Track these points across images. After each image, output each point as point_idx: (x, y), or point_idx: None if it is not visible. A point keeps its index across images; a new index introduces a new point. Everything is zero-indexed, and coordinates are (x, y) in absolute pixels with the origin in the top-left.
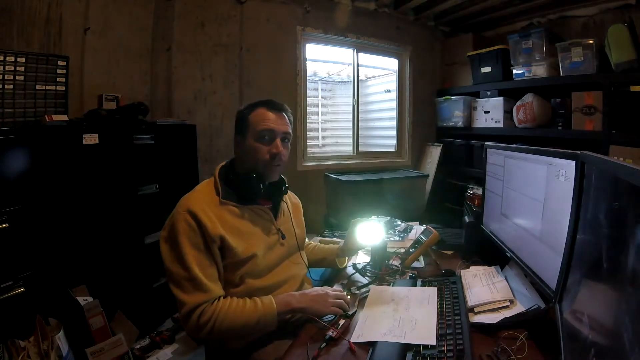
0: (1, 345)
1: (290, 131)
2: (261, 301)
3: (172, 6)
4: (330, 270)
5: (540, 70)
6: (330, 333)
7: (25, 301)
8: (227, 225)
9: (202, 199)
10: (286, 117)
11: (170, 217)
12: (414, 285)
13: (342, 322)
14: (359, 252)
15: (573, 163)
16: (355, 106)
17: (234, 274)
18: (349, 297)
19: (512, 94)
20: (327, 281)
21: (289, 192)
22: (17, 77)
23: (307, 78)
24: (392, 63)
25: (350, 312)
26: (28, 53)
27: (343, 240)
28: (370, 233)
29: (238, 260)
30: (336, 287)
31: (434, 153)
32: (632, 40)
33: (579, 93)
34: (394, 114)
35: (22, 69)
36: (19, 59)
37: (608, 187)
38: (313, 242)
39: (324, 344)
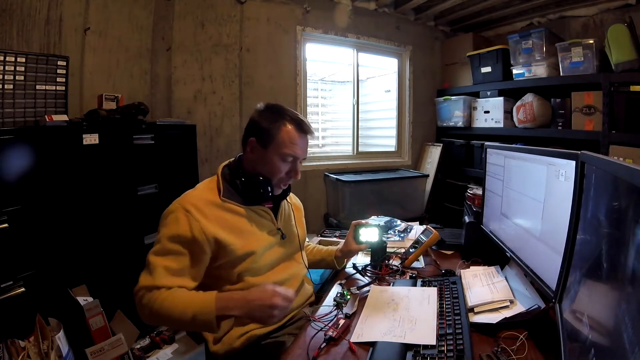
0: (1, 345)
1: None
2: (201, 299)
3: (172, 6)
4: (330, 270)
5: (540, 70)
6: (330, 333)
7: (25, 301)
8: (225, 224)
9: (203, 197)
10: (310, 139)
11: (167, 209)
12: (414, 285)
13: (342, 322)
14: (359, 253)
15: (573, 163)
16: (355, 106)
17: (231, 272)
18: (349, 296)
19: (512, 94)
20: (327, 281)
21: (290, 193)
22: (17, 77)
23: (307, 78)
24: (392, 63)
25: (350, 312)
26: (28, 53)
27: (342, 242)
28: (370, 235)
29: (235, 258)
30: (336, 286)
31: (434, 153)
32: (632, 40)
33: (579, 93)
34: (394, 114)
35: (22, 69)
36: (19, 59)
37: (608, 187)
38: (312, 243)
39: (324, 344)
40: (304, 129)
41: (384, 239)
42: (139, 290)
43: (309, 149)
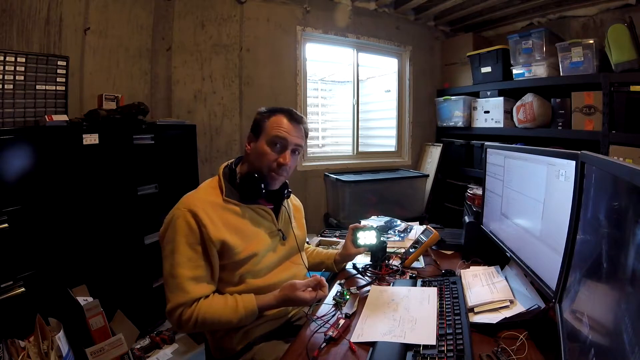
0: (1, 345)
1: (303, 144)
2: (243, 304)
3: (172, 6)
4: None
5: (540, 70)
6: (330, 333)
7: (25, 301)
8: (229, 225)
9: (205, 199)
10: (303, 129)
11: (170, 213)
12: (414, 285)
13: (342, 322)
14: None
15: (573, 163)
16: (355, 106)
17: (233, 274)
18: (348, 297)
19: (512, 94)
20: (327, 282)
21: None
22: (17, 77)
23: (307, 78)
24: (392, 63)
25: (350, 312)
26: (28, 53)
27: (342, 242)
28: (368, 238)
29: (238, 260)
30: (336, 286)
31: (434, 153)
32: (632, 40)
33: (579, 93)
34: (394, 114)
35: (22, 69)
36: (19, 59)
37: (608, 187)
38: (312, 245)
39: (324, 344)
40: (292, 117)
41: (384, 239)
42: (176, 308)
43: (309, 149)
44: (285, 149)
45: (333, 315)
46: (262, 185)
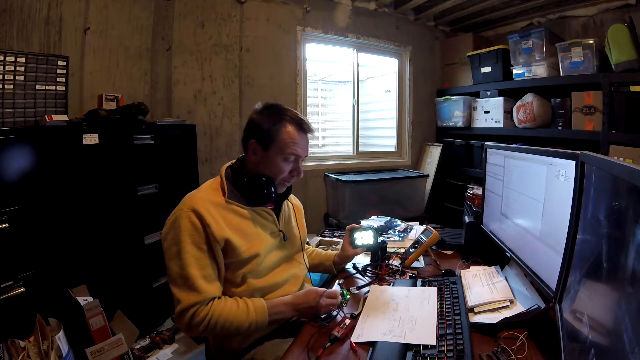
0: (1, 345)
1: None
2: (254, 308)
3: (172, 6)
4: None
5: (540, 70)
6: (335, 333)
7: (25, 301)
8: (232, 226)
9: (208, 199)
10: (310, 138)
11: (173, 214)
12: (414, 285)
13: (347, 322)
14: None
15: (573, 163)
16: (355, 106)
17: (235, 274)
18: (348, 296)
19: (512, 94)
20: (327, 282)
21: (291, 194)
22: (17, 77)
23: (307, 78)
24: (392, 63)
25: (355, 313)
26: (28, 53)
27: (342, 242)
28: (365, 238)
29: (241, 260)
30: (335, 286)
31: (434, 153)
32: (632, 40)
33: (579, 93)
34: (394, 114)
35: (22, 69)
36: (19, 59)
37: (608, 187)
38: (312, 246)
39: (329, 344)
40: (304, 129)
41: (383, 239)
42: (189, 308)
43: (309, 149)
44: (298, 161)
45: (334, 316)
46: (272, 190)
